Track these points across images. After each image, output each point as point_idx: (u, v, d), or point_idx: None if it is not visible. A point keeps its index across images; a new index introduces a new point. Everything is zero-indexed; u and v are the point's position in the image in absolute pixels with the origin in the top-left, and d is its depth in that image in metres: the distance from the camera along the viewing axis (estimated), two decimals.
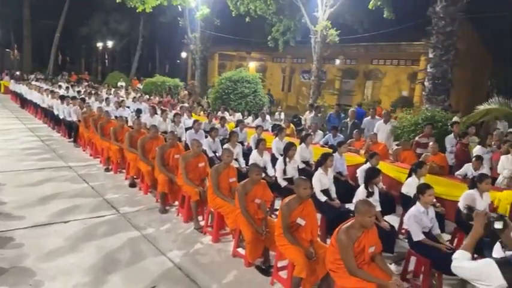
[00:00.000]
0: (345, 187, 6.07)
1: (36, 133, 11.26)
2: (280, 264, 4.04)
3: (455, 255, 2.33)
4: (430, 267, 3.95)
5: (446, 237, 4.71)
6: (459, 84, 13.60)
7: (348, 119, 9.69)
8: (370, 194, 4.70)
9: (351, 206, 4.57)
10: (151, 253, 4.41)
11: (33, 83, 17.37)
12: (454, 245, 4.85)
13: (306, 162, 7.07)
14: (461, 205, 4.85)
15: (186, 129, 8.96)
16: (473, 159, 6.30)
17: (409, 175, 5.43)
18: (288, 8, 16.40)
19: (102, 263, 4.10)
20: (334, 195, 5.47)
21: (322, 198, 5.26)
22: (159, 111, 10.33)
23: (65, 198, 5.95)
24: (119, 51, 37.86)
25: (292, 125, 10.14)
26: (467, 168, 6.34)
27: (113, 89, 17.03)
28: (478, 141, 7.30)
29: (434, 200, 4.83)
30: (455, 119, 8.98)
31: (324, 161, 5.45)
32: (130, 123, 9.28)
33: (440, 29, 10.06)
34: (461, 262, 2.27)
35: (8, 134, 10.75)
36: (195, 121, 8.57)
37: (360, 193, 4.73)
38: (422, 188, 4.25)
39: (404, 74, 19.47)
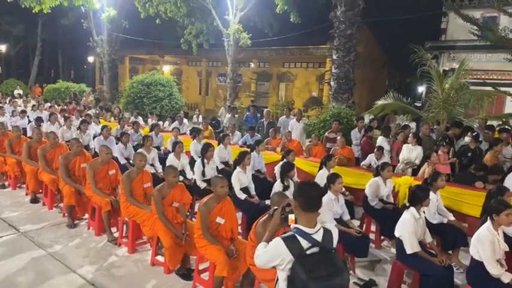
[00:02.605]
0: (264, 184, 6.23)
1: None
2: (201, 267, 3.97)
3: (257, 248, 2.38)
4: (342, 251, 4.21)
5: (356, 223, 5.08)
6: (361, 83, 14.89)
7: (264, 119, 9.96)
8: (285, 188, 4.87)
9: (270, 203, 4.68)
10: (59, 272, 4.01)
11: None
12: (363, 229, 5.27)
13: (225, 163, 7.09)
14: (367, 192, 5.28)
15: (94, 136, 8.36)
16: (375, 149, 6.91)
17: (320, 168, 5.76)
18: (199, 11, 16.31)
19: None
20: (253, 192, 5.57)
21: (242, 196, 5.31)
22: (61, 119, 9.46)
23: None
24: (14, 56, 33.96)
25: (210, 127, 10.10)
26: (371, 159, 6.94)
27: (8, 98, 15.23)
28: (380, 133, 8.03)
29: (344, 189, 5.20)
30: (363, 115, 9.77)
31: (241, 159, 5.51)
32: (30, 134, 8.36)
33: (342, 32, 10.87)
34: (258, 251, 2.31)
35: None
36: (104, 127, 8.04)
37: (277, 187, 4.87)
38: (332, 178, 4.54)
39: (313, 76, 20.66)
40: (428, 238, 3.93)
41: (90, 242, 4.83)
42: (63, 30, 28.26)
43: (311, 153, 7.96)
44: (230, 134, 8.34)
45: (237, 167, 5.53)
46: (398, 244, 3.75)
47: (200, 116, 14.06)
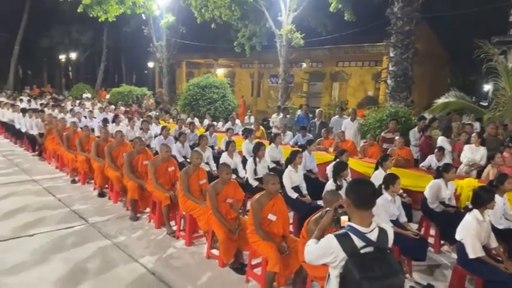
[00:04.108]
0: (315, 184, 6.17)
1: None
2: (254, 262, 4.05)
3: (307, 244, 2.37)
4: (399, 254, 4.07)
5: (414, 226, 4.88)
6: (420, 81, 14.18)
7: (316, 119, 9.87)
8: (338, 188, 4.80)
9: (322, 203, 4.65)
10: (123, 260, 4.31)
11: None
12: (422, 233, 5.03)
13: (277, 162, 7.15)
14: (427, 194, 5.05)
15: (155, 136, 8.85)
16: (436, 150, 6.58)
17: (376, 168, 5.59)
18: (253, 14, 16.55)
19: (71, 274, 3.96)
20: (305, 191, 5.56)
21: (293, 195, 5.33)
22: (126, 120, 10.14)
23: (30, 212, 5.72)
24: (83, 62, 36.79)
25: (262, 128, 10.23)
26: (431, 160, 6.61)
27: (78, 101, 16.55)
28: (441, 134, 7.62)
29: (401, 190, 5.03)
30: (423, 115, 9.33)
31: (293, 158, 5.53)
32: (97, 134, 9.06)
33: (399, 28, 10.46)
34: (308, 247, 2.32)
35: None
36: (163, 127, 8.48)
37: (329, 186, 4.82)
38: (391, 178, 4.41)
39: (368, 75, 20.04)
40: (494, 243, 3.67)
41: (151, 234, 5.13)
42: (125, 37, 30.13)
43: (366, 153, 7.76)
44: (281, 134, 8.39)
45: (289, 166, 5.56)
46: (460, 248, 3.55)
47: (252, 117, 14.28)
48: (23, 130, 10.46)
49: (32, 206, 5.97)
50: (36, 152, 9.89)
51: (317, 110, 10.19)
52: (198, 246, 4.78)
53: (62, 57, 33.75)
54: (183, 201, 4.84)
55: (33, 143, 10.11)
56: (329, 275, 2.25)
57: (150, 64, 30.62)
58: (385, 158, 5.56)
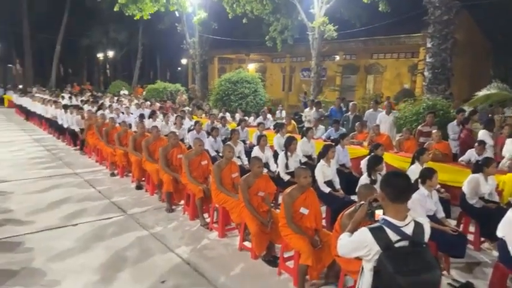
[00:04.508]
0: (349, 179, 6.10)
1: (42, 143, 11.40)
2: (286, 255, 4.08)
3: (340, 237, 2.36)
4: (436, 249, 3.96)
5: (452, 222, 4.72)
6: (460, 72, 13.58)
7: (350, 113, 9.70)
8: (373, 182, 4.72)
9: (356, 198, 4.59)
10: (159, 250, 4.47)
11: (36, 95, 17.55)
12: (461, 229, 4.86)
13: (309, 157, 7.12)
14: (465, 189, 4.87)
15: (188, 131, 9.04)
16: (476, 144, 6.31)
17: (412, 162, 5.45)
18: (284, 7, 16.43)
19: (112, 262, 4.16)
20: (338, 186, 5.51)
21: (326, 189, 5.30)
22: (160, 116, 10.44)
23: (73, 203, 6.04)
24: (120, 60, 38.10)
25: (293, 122, 10.19)
26: (471, 154, 6.34)
27: (116, 98, 17.18)
28: (482, 127, 7.29)
29: (439, 185, 4.87)
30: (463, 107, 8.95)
31: (325, 152, 5.49)
32: (134, 129, 9.38)
33: (437, 18, 10.05)
34: (342, 240, 2.31)
35: (14, 146, 10.89)
36: (196, 122, 8.66)
37: (363, 180, 4.76)
38: (429, 172, 4.29)
39: (405, 67, 19.40)
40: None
41: (185, 225, 5.29)
42: (160, 34, 30.79)
43: (402, 147, 7.56)
44: (314, 128, 8.33)
45: (321, 160, 5.52)
46: (501, 245, 3.41)
47: (283, 112, 14.24)
48: (65, 126, 11.02)
49: (75, 198, 6.30)
50: (78, 147, 10.39)
51: (351, 103, 10.01)
52: (231, 238, 4.87)
53: (100, 55, 35.14)
54: (215, 194, 4.94)
55: (75, 138, 10.62)
56: (362, 269, 2.23)
57: (183, 61, 31.19)
58: (422, 152, 5.40)
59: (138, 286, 3.70)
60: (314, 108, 10.56)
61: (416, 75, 15.85)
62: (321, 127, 9.18)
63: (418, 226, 2.12)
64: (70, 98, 16.51)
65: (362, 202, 2.63)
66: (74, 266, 4.05)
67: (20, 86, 25.27)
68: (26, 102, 17.40)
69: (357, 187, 4.78)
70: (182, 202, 5.90)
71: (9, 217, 5.36)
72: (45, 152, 10.12)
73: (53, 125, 12.79)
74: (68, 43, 31.58)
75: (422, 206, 4.13)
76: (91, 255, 4.32)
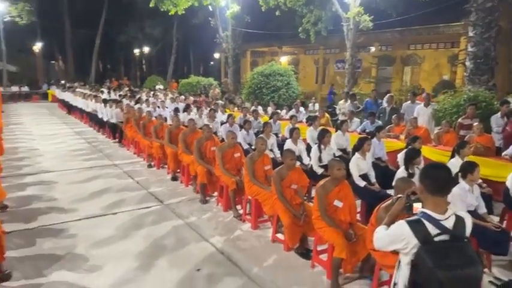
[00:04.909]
0: (385, 173, 5.94)
1: (83, 136, 11.94)
2: (319, 248, 4.06)
3: (376, 230, 2.33)
4: (477, 246, 3.81)
5: (495, 219, 4.51)
6: (504, 62, 12.82)
7: (386, 105, 9.44)
8: (410, 175, 4.59)
9: (392, 192, 4.49)
10: (194, 239, 4.60)
11: (77, 90, 18.37)
12: (504, 226, 4.64)
13: (343, 150, 7.01)
14: (509, 184, 4.63)
15: (221, 124, 9.15)
16: None
17: (452, 156, 5.24)
18: None
19: (150, 249, 4.33)
20: (373, 179, 5.39)
21: (361, 183, 5.21)
22: (194, 109, 10.63)
23: (113, 193, 6.31)
24: (155, 55, 39.01)
25: (327, 115, 10.06)
26: None
27: (152, 92, 17.66)
28: None
29: (480, 180, 4.66)
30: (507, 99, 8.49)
31: (361, 145, 5.39)
32: (169, 122, 9.62)
33: (480, 5, 9.54)
34: (378, 233, 2.28)
35: (57, 138, 11.48)
36: (229, 115, 8.75)
37: (400, 174, 4.63)
38: (470, 166, 4.12)
39: (444, 57, 18.63)
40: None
41: (219, 216, 5.39)
42: (193, 29, 31.26)
43: (441, 141, 7.28)
44: (348, 121, 8.18)
45: (356, 153, 5.43)
46: None
47: (316, 104, 14.09)
48: (105, 119, 11.47)
49: (114, 188, 6.58)
50: (117, 139, 10.80)
51: (387, 95, 9.73)
52: (264, 230, 4.91)
53: (136, 51, 36.12)
54: (248, 186, 4.98)
55: (114, 131, 11.04)
56: (399, 262, 2.19)
57: (216, 55, 31.51)
58: (463, 145, 5.18)
59: (175, 273, 3.83)
60: (349, 101, 10.37)
61: (456, 65, 15.18)
62: (356, 120, 9.01)
63: (459, 220, 2.06)
64: (109, 92, 17.15)
65: (399, 195, 2.58)
66: (114, 252, 4.25)
67: (62, 82, 26.51)
68: (67, 96, 18.25)
69: (394, 181, 4.71)
70: (216, 194, 6.00)
71: (54, 205, 5.68)
72: (86, 144, 10.60)
73: (93, 119, 13.36)
74: (106, 39, 32.71)
75: (463, 200, 3.97)
76: (130, 242, 4.50)
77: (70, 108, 17.76)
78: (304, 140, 7.40)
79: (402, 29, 17.44)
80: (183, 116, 9.80)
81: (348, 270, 3.67)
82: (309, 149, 6.60)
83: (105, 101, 11.94)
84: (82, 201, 5.89)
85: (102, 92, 17.42)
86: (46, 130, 13.06)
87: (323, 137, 5.96)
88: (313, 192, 4.39)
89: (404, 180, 3.35)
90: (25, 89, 26.36)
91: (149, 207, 5.68)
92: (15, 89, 25.47)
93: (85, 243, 4.43)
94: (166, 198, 6.07)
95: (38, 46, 29.91)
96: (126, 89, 21.07)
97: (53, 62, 36.48)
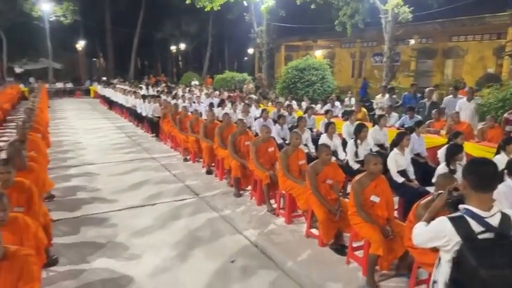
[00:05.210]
0: (424, 169, 5.74)
1: (123, 130, 12.41)
2: (355, 244, 4.00)
3: (415, 227, 2.27)
4: None
5: None
6: None
7: (426, 99, 9.09)
8: (452, 172, 4.41)
9: (431, 190, 4.32)
10: (229, 232, 4.67)
11: (118, 86, 19.07)
12: None
13: (381, 146, 6.84)
14: None
15: (255, 119, 9.18)
16: None
17: (497, 152, 4.99)
18: None
19: (187, 240, 4.45)
20: (412, 176, 5.23)
21: (399, 179, 5.06)
22: (229, 104, 10.74)
23: (151, 185, 6.52)
24: (191, 52, 39.69)
25: (363, 109, 9.84)
26: None
27: (188, 88, 18.01)
28: None
29: None
30: None
31: (399, 140, 5.23)
32: (204, 117, 9.80)
33: None
34: (418, 229, 2.22)
35: (99, 132, 12.00)
36: (263, 110, 8.76)
37: (441, 170, 4.46)
38: None
39: (489, 49, 17.61)
40: None
41: (253, 210, 5.43)
42: (228, 25, 31.51)
43: (485, 137, 6.94)
44: (386, 115, 7.96)
45: (394, 149, 5.27)
46: None
47: (352, 99, 13.79)
48: (144, 114, 11.84)
49: (152, 180, 6.79)
50: (155, 134, 11.13)
51: (427, 89, 9.36)
52: (298, 225, 4.89)
53: (173, 48, 36.90)
54: (282, 181, 4.98)
55: (152, 126, 11.38)
56: (439, 260, 2.12)
57: (250, 50, 31.59)
58: (509, 141, 4.90)
59: (211, 264, 3.91)
60: (387, 95, 10.08)
61: (503, 58, 14.34)
62: (394, 114, 8.74)
63: (506, 218, 1.96)
64: (147, 88, 17.67)
65: (440, 191, 2.48)
66: (153, 242, 4.40)
67: (104, 78, 27.61)
68: (108, 92, 18.99)
69: (434, 177, 4.54)
70: (249, 188, 6.05)
71: (96, 196, 5.96)
72: (126, 138, 11.00)
73: (132, 114, 13.83)
74: (144, 37, 33.67)
75: (508, 199, 3.76)
76: (168, 232, 4.65)
77: (111, 104, 18.47)
78: (340, 134, 7.28)
79: (444, 20, 16.67)
80: (217, 111, 9.93)
81: (384, 267, 3.60)
82: (344, 144, 6.49)
83: (143, 97, 12.32)
84: (122, 192, 6.14)
85: (140, 88, 17.96)
86: (89, 124, 13.68)
87: (360, 132, 5.84)
88: (349, 188, 4.32)
89: (446, 176, 3.23)
90: (69, 85, 27.67)
91: (185, 199, 5.83)
92: (60, 85, 26.78)
93: (125, 233, 4.62)
94: (201, 191, 6.20)
95: (80, 44, 31.31)
96: (163, 85, 21.60)
97: (95, 59, 38.07)
